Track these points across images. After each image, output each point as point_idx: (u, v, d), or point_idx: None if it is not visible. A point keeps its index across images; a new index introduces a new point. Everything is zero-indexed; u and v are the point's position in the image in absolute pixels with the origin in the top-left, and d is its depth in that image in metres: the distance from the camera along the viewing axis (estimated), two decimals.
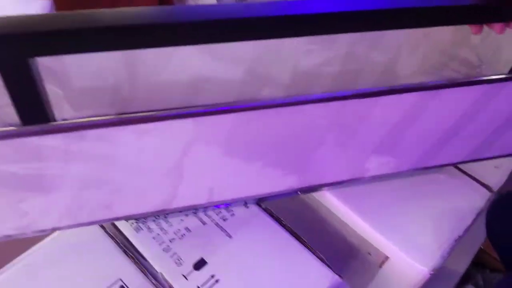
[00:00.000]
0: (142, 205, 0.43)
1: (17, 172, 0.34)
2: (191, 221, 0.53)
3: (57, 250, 0.48)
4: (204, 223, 0.53)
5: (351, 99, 0.39)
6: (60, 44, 0.29)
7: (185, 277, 0.48)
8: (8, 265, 0.46)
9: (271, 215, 0.54)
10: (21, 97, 0.34)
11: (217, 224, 0.53)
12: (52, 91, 0.45)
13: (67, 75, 0.43)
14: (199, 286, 0.47)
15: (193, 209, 0.53)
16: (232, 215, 0.54)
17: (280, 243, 0.52)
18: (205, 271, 0.49)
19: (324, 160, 0.47)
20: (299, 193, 0.60)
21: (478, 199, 0.60)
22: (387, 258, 0.55)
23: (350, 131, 0.44)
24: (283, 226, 0.54)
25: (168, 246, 0.50)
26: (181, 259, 0.49)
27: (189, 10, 0.31)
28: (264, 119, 0.38)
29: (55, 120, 0.36)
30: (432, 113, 0.45)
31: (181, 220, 0.52)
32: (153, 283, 0.47)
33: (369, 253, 0.57)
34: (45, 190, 0.36)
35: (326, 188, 0.58)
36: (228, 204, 0.54)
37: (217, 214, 0.54)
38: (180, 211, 0.52)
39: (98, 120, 0.32)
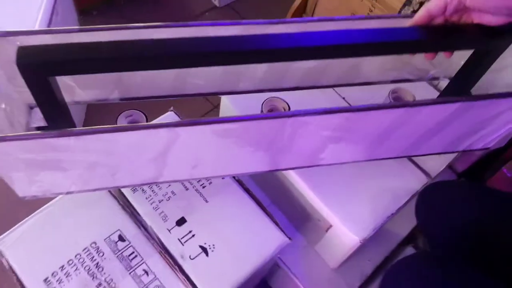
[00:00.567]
0: (136, 179, 0.56)
1: (39, 159, 0.46)
2: (176, 186, 0.66)
3: (72, 204, 0.62)
4: (186, 188, 0.66)
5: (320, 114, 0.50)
6: (67, 69, 0.42)
7: (169, 231, 0.62)
8: (33, 214, 0.61)
9: (241, 185, 0.68)
10: (44, 105, 0.46)
11: (197, 190, 0.66)
12: (67, 83, 0.58)
13: None
14: (179, 238, 0.62)
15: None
16: (210, 183, 0.67)
17: (246, 208, 0.66)
18: (184, 227, 0.63)
19: (291, 154, 0.59)
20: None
21: (415, 183, 0.72)
22: (331, 225, 0.69)
23: (318, 136, 0.55)
24: (250, 195, 0.67)
25: (157, 205, 0.64)
26: (167, 216, 0.63)
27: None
28: (244, 130, 0.49)
29: (74, 126, 0.49)
30: (394, 124, 0.56)
31: (169, 185, 0.66)
32: (144, 234, 0.62)
33: (319, 220, 0.71)
34: (61, 169, 0.49)
35: None
36: None
37: (197, 182, 0.67)
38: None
39: (101, 128, 0.44)
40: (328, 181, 0.70)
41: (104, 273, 0.58)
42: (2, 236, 0.59)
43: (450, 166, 0.97)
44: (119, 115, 0.53)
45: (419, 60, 0.68)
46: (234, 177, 0.68)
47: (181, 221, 0.63)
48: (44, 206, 0.62)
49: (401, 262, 0.56)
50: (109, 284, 0.57)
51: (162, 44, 0.42)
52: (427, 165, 0.75)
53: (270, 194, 0.83)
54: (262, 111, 0.55)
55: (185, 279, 0.59)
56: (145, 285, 0.58)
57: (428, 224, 0.68)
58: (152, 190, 0.65)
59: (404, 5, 0.86)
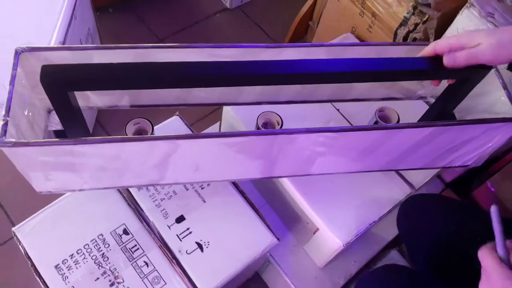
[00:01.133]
0: (140, 181, 0.62)
1: (55, 162, 0.53)
2: (177, 186, 0.72)
3: (82, 199, 0.69)
4: (187, 189, 0.73)
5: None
6: (84, 86, 0.49)
7: (169, 227, 0.69)
8: (47, 206, 0.68)
9: (237, 188, 0.74)
10: (62, 113, 0.52)
11: (196, 191, 0.72)
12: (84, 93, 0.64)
13: None
14: (178, 234, 0.68)
15: None
16: (208, 185, 0.73)
17: (239, 210, 0.72)
18: (183, 224, 0.69)
19: (283, 164, 0.64)
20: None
21: (399, 193, 0.78)
22: (318, 229, 0.75)
23: (305, 150, 0.60)
24: (245, 197, 0.73)
25: (160, 203, 0.70)
26: (167, 213, 0.70)
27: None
28: (238, 144, 0.54)
29: (87, 130, 0.55)
30: (375, 143, 0.61)
31: (171, 185, 0.72)
32: (146, 229, 0.68)
33: (307, 223, 0.77)
34: (75, 170, 0.56)
35: None
36: None
37: (197, 183, 0.73)
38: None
39: (110, 138, 0.51)
40: (317, 187, 0.76)
41: (109, 263, 0.64)
42: (20, 224, 0.66)
43: (438, 176, 1.02)
44: (128, 122, 0.59)
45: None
46: None
47: (180, 219, 0.70)
48: (57, 200, 0.68)
49: (372, 273, 0.62)
50: (113, 273, 0.64)
51: (169, 67, 0.48)
52: (411, 177, 0.80)
53: (265, 195, 0.89)
54: (257, 123, 0.60)
55: (181, 272, 0.65)
56: (145, 275, 0.64)
57: (407, 234, 0.73)
58: (156, 189, 0.72)
59: (400, 25, 0.90)
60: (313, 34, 1.30)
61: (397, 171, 0.80)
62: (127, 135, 0.57)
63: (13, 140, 0.48)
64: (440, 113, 0.68)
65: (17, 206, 1.03)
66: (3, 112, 0.50)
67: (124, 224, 0.68)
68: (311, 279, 0.85)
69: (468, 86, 0.61)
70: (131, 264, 0.65)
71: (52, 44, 0.86)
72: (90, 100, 0.66)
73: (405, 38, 0.93)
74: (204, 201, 0.72)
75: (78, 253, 0.65)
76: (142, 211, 0.70)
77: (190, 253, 0.67)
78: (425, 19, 0.87)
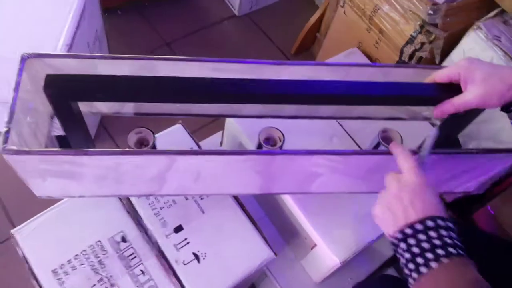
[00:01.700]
0: (139, 191, 0.62)
1: (56, 170, 0.53)
2: (177, 196, 0.72)
3: (81, 204, 0.69)
4: (186, 198, 0.73)
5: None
6: (87, 97, 0.49)
7: (166, 236, 0.69)
8: (47, 210, 0.68)
9: (237, 200, 0.74)
10: (64, 121, 0.53)
11: (195, 201, 0.73)
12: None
13: None
14: (175, 244, 0.68)
15: None
16: (208, 196, 0.73)
17: (238, 222, 0.72)
18: (181, 234, 0.69)
19: (282, 181, 0.65)
20: None
21: None
22: (315, 245, 0.75)
23: (304, 169, 0.61)
24: (244, 210, 0.73)
25: (159, 212, 0.71)
26: (166, 222, 0.70)
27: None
28: (237, 162, 0.55)
29: (90, 137, 0.56)
30: (375, 166, 0.62)
31: (170, 195, 0.72)
32: (144, 237, 0.68)
33: (305, 238, 0.77)
34: (75, 178, 0.56)
35: None
36: None
37: (197, 194, 0.73)
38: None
39: (110, 151, 0.51)
40: (317, 203, 0.76)
41: (106, 270, 0.65)
42: (19, 227, 0.66)
43: (439, 196, 1.02)
44: (130, 132, 0.59)
45: None
46: None
47: (178, 229, 0.70)
48: (57, 204, 0.69)
49: (365, 282, 0.62)
50: (109, 280, 0.64)
51: (172, 82, 0.48)
52: None
53: (264, 207, 0.89)
54: (258, 139, 0.60)
55: (177, 282, 0.65)
56: (141, 284, 0.64)
57: None
58: (155, 198, 0.72)
59: (407, 43, 0.91)
60: (320, 45, 1.30)
61: None
62: (129, 144, 0.57)
63: (15, 148, 0.48)
64: (444, 137, 0.68)
65: (18, 207, 1.03)
66: (6, 119, 0.50)
67: (122, 231, 0.68)
68: None
69: (472, 115, 0.61)
70: (128, 272, 0.65)
71: (60, 46, 0.87)
72: (93, 106, 0.66)
73: (411, 56, 0.93)
74: (203, 212, 0.72)
75: (75, 258, 0.65)
76: (141, 219, 0.70)
77: (187, 263, 0.67)
78: (431, 38, 0.88)
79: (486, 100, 0.52)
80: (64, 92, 0.47)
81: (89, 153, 0.50)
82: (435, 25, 0.87)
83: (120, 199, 0.71)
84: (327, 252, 0.72)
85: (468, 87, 0.53)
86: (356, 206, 0.77)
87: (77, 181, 0.56)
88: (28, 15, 0.91)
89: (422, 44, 0.89)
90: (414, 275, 0.46)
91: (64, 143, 0.59)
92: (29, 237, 0.66)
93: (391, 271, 0.93)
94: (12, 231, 0.66)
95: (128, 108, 0.67)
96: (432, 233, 0.46)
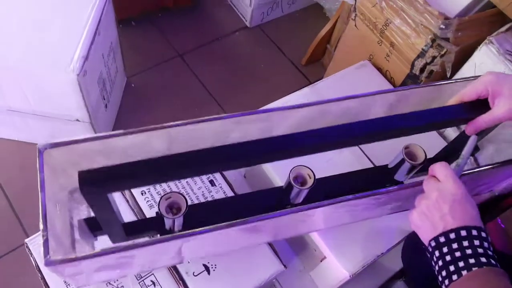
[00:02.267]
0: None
1: (102, 265, 0.52)
2: None
3: None
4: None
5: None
6: (124, 186, 0.49)
7: None
8: None
9: None
10: (101, 215, 0.52)
11: None
12: None
13: None
14: None
15: None
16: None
17: None
18: None
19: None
20: None
21: (407, 226, 0.77)
22: (325, 257, 0.75)
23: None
24: None
25: None
26: None
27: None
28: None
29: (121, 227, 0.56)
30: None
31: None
32: None
33: (315, 250, 0.77)
34: (122, 267, 0.56)
35: None
36: None
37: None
38: None
39: (157, 239, 0.51)
40: None
41: (117, 280, 0.65)
42: (33, 236, 0.67)
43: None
44: (160, 198, 0.57)
45: None
46: None
47: None
48: None
49: None
50: None
51: (208, 155, 0.48)
52: None
53: None
54: (289, 177, 0.61)
55: None
56: None
57: (409, 268, 0.73)
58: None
59: (418, 56, 0.91)
60: (330, 57, 1.31)
61: None
62: (160, 211, 0.56)
63: (59, 257, 0.45)
64: (463, 146, 0.69)
65: (30, 214, 1.05)
66: (41, 226, 0.46)
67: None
68: None
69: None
70: (139, 283, 0.66)
71: (76, 58, 0.88)
72: None
73: (422, 70, 0.93)
74: None
75: None
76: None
77: (197, 275, 0.67)
78: (443, 52, 0.88)
79: None
80: (101, 187, 0.44)
81: (138, 246, 0.49)
82: (447, 39, 0.87)
83: (132, 208, 0.72)
84: (337, 265, 0.72)
85: (497, 102, 0.53)
86: (365, 221, 0.77)
87: (123, 269, 0.56)
88: (45, 27, 0.93)
89: (433, 57, 0.89)
90: (447, 282, 0.47)
91: (94, 226, 0.58)
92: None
93: (400, 284, 0.93)
94: (26, 240, 0.67)
95: None
96: (465, 243, 0.47)
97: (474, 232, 0.47)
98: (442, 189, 0.50)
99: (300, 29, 1.53)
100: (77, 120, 1.01)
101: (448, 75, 0.90)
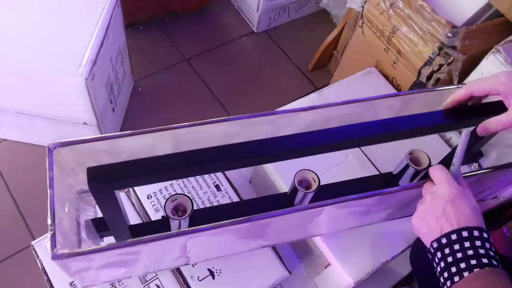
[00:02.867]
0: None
1: (106, 262, 0.52)
2: None
3: None
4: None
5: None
6: (131, 183, 0.49)
7: None
8: None
9: None
10: (108, 214, 0.52)
11: None
12: None
13: None
14: None
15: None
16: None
17: None
18: None
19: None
20: None
21: (412, 233, 0.77)
22: (329, 264, 0.75)
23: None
24: None
25: None
26: None
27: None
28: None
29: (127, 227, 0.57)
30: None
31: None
32: None
33: (319, 256, 0.77)
34: (126, 265, 0.56)
35: None
36: None
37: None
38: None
39: (162, 235, 0.50)
40: None
41: (122, 283, 0.66)
42: (39, 238, 0.68)
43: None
44: (166, 200, 0.57)
45: None
46: None
47: None
48: None
49: None
50: None
51: (211, 153, 0.48)
52: None
53: None
54: (294, 181, 0.61)
55: None
56: None
57: (419, 272, 0.73)
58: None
59: (425, 64, 0.91)
60: (337, 63, 1.31)
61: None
62: (166, 212, 0.57)
63: (66, 251, 0.46)
64: (467, 151, 0.69)
65: (36, 216, 1.06)
66: (49, 221, 0.46)
67: None
68: None
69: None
70: (144, 287, 0.66)
71: (84, 62, 0.89)
72: None
73: (428, 77, 0.93)
74: None
75: None
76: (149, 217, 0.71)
77: (202, 279, 0.68)
78: (450, 60, 0.88)
79: None
80: (109, 183, 0.45)
81: (144, 241, 0.49)
82: (454, 48, 0.87)
83: (138, 212, 0.73)
84: (341, 272, 0.72)
85: None
86: (371, 226, 0.77)
87: (128, 267, 0.57)
88: (55, 31, 0.94)
89: (440, 65, 0.89)
90: (448, 283, 0.47)
91: (100, 226, 0.58)
92: (48, 250, 0.67)
93: None
94: (33, 242, 0.68)
95: None
96: (466, 244, 0.47)
97: (476, 233, 0.48)
98: (434, 191, 0.51)
99: (307, 35, 1.53)
100: (85, 123, 1.01)
101: (455, 82, 0.90)
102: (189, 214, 0.55)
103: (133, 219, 0.72)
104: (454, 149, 0.54)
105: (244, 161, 0.50)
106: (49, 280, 0.65)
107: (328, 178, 0.65)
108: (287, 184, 0.78)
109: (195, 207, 0.56)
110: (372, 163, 0.86)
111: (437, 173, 0.52)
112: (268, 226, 0.55)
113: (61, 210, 0.49)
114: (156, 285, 0.66)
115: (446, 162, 0.54)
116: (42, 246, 0.67)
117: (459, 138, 0.54)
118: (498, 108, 0.54)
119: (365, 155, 0.86)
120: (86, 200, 0.58)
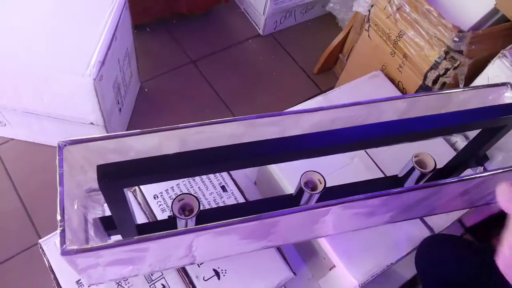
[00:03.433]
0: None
1: (114, 259, 0.50)
2: None
3: None
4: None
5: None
6: (141, 181, 0.50)
7: None
8: None
9: None
10: (117, 211, 0.53)
11: None
12: None
13: None
14: None
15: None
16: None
17: None
18: None
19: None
20: None
21: (419, 237, 0.78)
22: (334, 266, 0.75)
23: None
24: None
25: None
26: None
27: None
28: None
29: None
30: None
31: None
32: None
33: (324, 258, 0.77)
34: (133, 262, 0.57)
35: None
36: None
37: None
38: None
39: (170, 232, 0.50)
40: None
41: (128, 282, 0.66)
42: (47, 237, 0.68)
43: (459, 220, 1.01)
44: (173, 200, 0.58)
45: None
46: None
47: None
48: None
49: None
50: None
51: (220, 152, 0.49)
52: (432, 221, 0.80)
53: None
54: (300, 182, 0.61)
55: None
56: None
57: (425, 273, 0.73)
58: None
59: (431, 68, 0.91)
60: (342, 66, 1.32)
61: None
62: (173, 211, 0.57)
63: (75, 247, 0.46)
64: (472, 155, 0.69)
65: (42, 215, 1.06)
66: (59, 217, 0.47)
67: None
68: None
69: (505, 131, 0.62)
70: (149, 286, 0.66)
71: (92, 62, 0.90)
72: None
73: (435, 81, 0.94)
74: None
75: None
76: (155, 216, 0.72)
77: (207, 280, 0.68)
78: (456, 65, 0.88)
79: None
80: (118, 181, 0.46)
81: (152, 238, 0.49)
82: (460, 52, 0.88)
83: (143, 210, 0.73)
84: (346, 274, 0.73)
85: None
86: (376, 229, 0.77)
87: (135, 265, 0.57)
88: (63, 32, 0.95)
89: (447, 70, 0.89)
90: None
91: (108, 224, 0.58)
92: (56, 247, 0.68)
93: None
94: (40, 241, 0.68)
95: None
96: None
97: None
98: None
99: (313, 38, 1.54)
100: (92, 123, 1.02)
101: (461, 87, 0.91)
102: (196, 214, 0.55)
103: (140, 218, 0.73)
104: (460, 154, 0.54)
105: (252, 161, 0.50)
106: (56, 278, 0.65)
107: (333, 180, 0.65)
108: (293, 186, 0.78)
109: (201, 208, 0.56)
110: (378, 166, 0.86)
111: None
112: (275, 226, 0.56)
113: (70, 207, 0.50)
114: (162, 284, 0.67)
115: (453, 166, 0.54)
116: (49, 244, 0.68)
117: (465, 142, 0.53)
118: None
119: (371, 158, 0.86)
120: (94, 198, 0.58)
